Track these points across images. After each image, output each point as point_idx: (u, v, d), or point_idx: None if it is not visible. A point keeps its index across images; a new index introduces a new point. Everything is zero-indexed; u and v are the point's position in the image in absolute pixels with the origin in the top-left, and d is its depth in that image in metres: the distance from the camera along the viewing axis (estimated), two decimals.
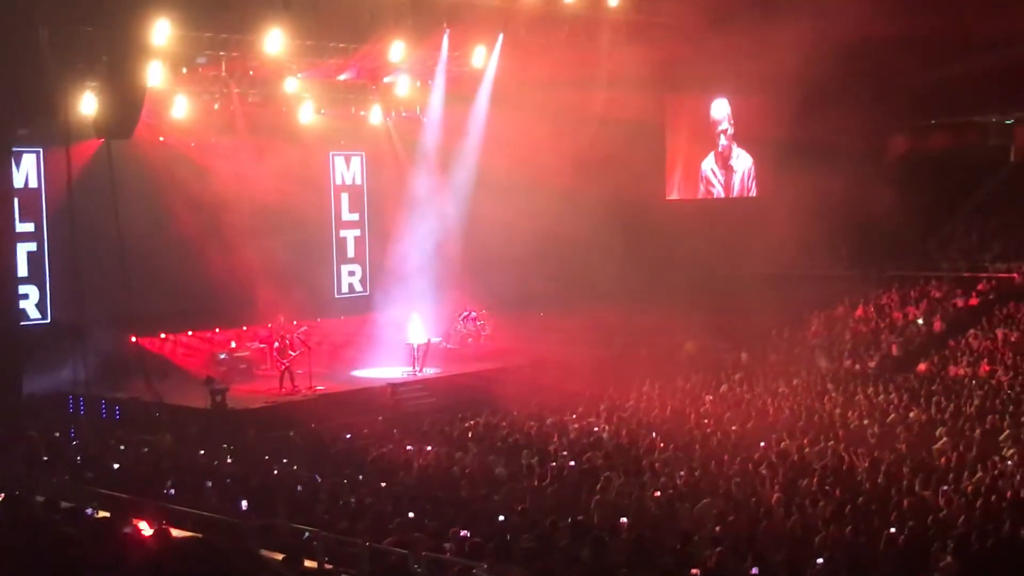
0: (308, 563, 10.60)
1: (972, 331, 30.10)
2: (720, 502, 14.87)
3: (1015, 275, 32.51)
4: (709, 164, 40.77)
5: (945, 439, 19.48)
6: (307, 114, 29.24)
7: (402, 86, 29.80)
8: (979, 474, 16.67)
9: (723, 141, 41.12)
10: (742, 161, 41.35)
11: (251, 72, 26.84)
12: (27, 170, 25.49)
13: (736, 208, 38.71)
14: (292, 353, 25.48)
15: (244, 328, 28.80)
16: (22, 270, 25.26)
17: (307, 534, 11.91)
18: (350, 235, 32.33)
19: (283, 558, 9.91)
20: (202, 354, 27.12)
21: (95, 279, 26.70)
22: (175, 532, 9.64)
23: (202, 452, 19.18)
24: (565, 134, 30.32)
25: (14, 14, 21.38)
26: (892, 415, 21.93)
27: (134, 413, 23.25)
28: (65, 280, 25.76)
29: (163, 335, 27.60)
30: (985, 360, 27.98)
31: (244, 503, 14.31)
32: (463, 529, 12.58)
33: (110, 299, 26.97)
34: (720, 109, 40.94)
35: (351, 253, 32.36)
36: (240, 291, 29.76)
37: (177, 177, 28.49)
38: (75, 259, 26.12)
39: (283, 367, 25.24)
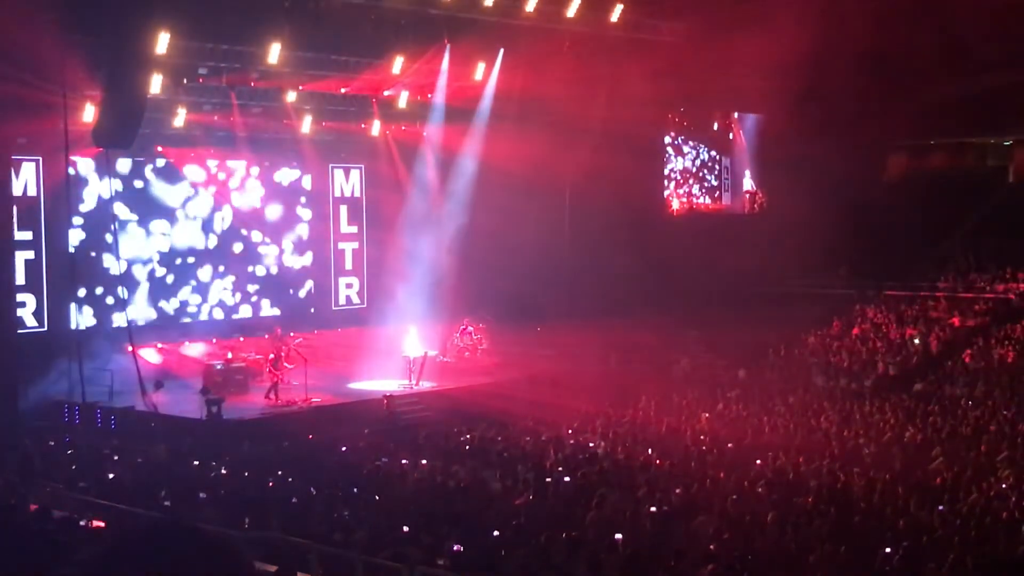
0: None
1: (968, 351, 30.12)
2: (715, 519, 14.83)
3: (1011, 295, 32.55)
4: (709, 180, 40.89)
5: (941, 459, 19.46)
6: (307, 126, 29.31)
7: (402, 99, 29.86)
8: (974, 494, 16.64)
9: (723, 157, 41.27)
10: (742, 178, 41.50)
11: (252, 84, 26.89)
12: (26, 178, 25.51)
13: (735, 225, 38.82)
14: (289, 366, 25.47)
15: (240, 339, 28.80)
16: (19, 278, 25.24)
17: (301, 546, 11.88)
18: (348, 247, 32.36)
19: (276, 570, 9.88)
20: (198, 365, 27.07)
21: (92, 288, 26.77)
22: None
23: (197, 463, 19.12)
24: (565, 149, 30.36)
25: (15, 22, 21.37)
26: (888, 434, 21.91)
27: (129, 423, 23.19)
28: (62, 289, 25.77)
29: (159, 345, 27.60)
30: (981, 380, 27.98)
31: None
32: (457, 544, 12.55)
33: (106, 308, 27.01)
34: (720, 125, 41.10)
35: (349, 265, 32.39)
36: (238, 301, 29.84)
37: (176, 188, 28.60)
38: (72, 268, 26.18)
39: (276, 379, 25.24)
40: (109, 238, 26.26)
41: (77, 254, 25.82)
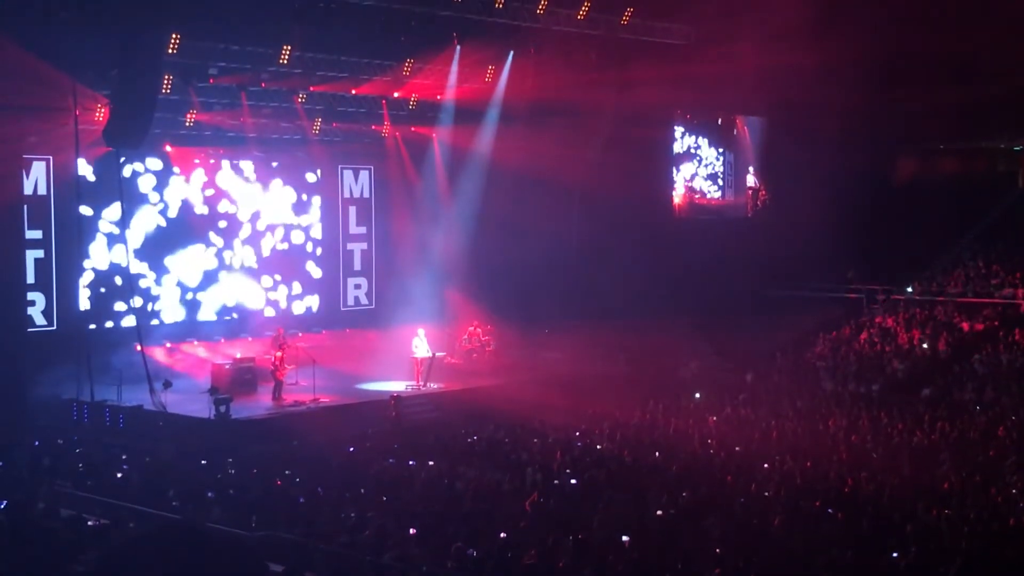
0: None
1: (977, 356, 30.04)
2: (722, 522, 14.83)
3: (1021, 301, 32.46)
4: (717, 183, 40.86)
5: (948, 464, 19.43)
6: (317, 127, 29.35)
7: (412, 100, 29.88)
8: (982, 499, 16.61)
9: (732, 160, 41.23)
10: (750, 181, 41.44)
11: (262, 84, 26.94)
12: (36, 177, 25.61)
13: (744, 228, 38.76)
14: (289, 367, 25.50)
15: (248, 339, 28.86)
16: (30, 277, 25.33)
17: (308, 547, 11.91)
18: (357, 248, 32.41)
19: (284, 570, 9.91)
20: (206, 364, 27.12)
21: (102, 287, 26.84)
22: None
23: (204, 462, 19.15)
24: (574, 150, 30.37)
25: (26, 21, 21.45)
26: (896, 439, 21.88)
27: (137, 422, 23.24)
28: (72, 288, 25.85)
29: (168, 344, 27.67)
30: (989, 385, 27.91)
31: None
32: (464, 545, 12.55)
33: (116, 307, 27.08)
34: (729, 128, 41.05)
35: (358, 266, 32.44)
36: (245, 302, 29.88)
37: (185, 187, 28.66)
38: (82, 267, 26.28)
39: (280, 378, 25.31)
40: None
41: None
